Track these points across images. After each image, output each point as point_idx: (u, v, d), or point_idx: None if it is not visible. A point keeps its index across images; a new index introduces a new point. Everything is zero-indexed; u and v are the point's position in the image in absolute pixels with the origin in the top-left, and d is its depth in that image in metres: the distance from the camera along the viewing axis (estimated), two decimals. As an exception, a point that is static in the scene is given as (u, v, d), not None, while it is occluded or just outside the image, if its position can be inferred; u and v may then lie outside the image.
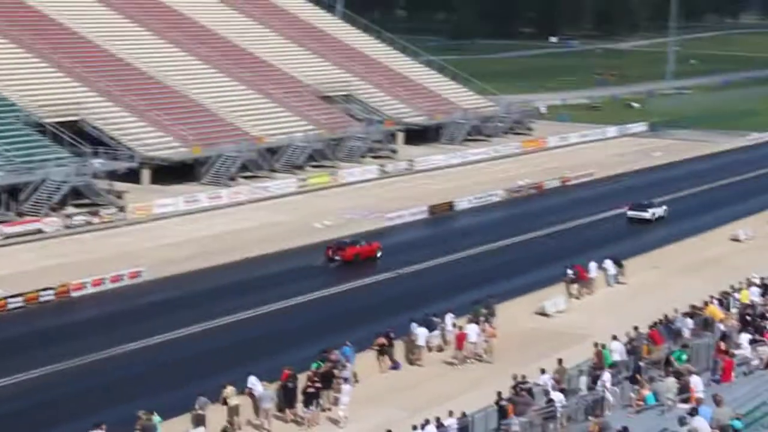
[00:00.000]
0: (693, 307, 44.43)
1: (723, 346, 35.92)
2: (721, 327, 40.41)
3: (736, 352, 35.24)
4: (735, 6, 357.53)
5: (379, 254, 62.70)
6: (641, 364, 36.30)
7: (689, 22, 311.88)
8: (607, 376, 35.38)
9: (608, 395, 34.45)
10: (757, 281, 49.00)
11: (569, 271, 54.86)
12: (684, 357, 35.57)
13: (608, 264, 56.96)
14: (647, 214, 73.81)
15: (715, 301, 45.57)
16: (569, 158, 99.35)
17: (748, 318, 40.56)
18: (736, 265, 59.61)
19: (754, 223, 71.01)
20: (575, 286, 54.34)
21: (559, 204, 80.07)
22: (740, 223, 70.41)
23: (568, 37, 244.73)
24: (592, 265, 55.85)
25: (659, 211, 74.74)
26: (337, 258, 60.78)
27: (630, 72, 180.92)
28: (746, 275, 51.05)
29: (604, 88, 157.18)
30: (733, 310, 44.57)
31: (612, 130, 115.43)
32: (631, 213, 74.26)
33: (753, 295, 46.72)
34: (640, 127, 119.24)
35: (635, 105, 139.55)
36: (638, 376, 34.19)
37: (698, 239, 66.62)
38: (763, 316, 40.46)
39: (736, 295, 47.17)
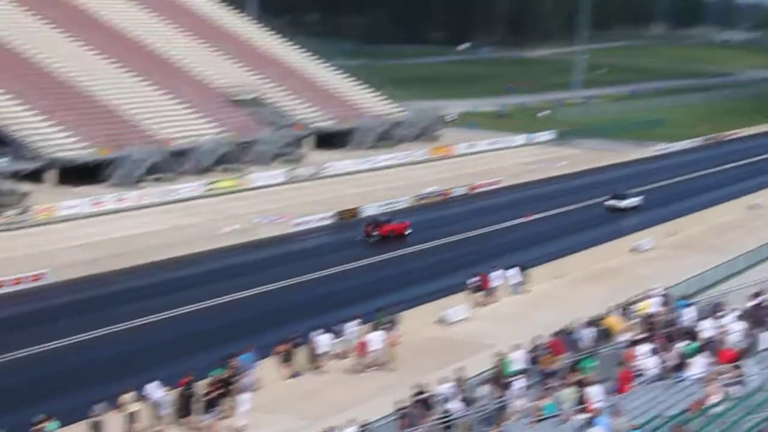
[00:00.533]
0: (593, 317, 44.90)
1: (623, 356, 36.36)
2: (622, 337, 40.92)
3: (635, 362, 35.65)
4: (644, 17, 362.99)
5: (408, 232, 70.80)
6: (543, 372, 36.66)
7: (599, 32, 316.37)
8: (520, 383, 35.57)
9: (517, 403, 34.62)
10: (657, 292, 49.64)
11: (473, 279, 55.14)
12: (592, 365, 35.95)
13: (512, 272, 57.34)
14: (621, 204, 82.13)
15: (616, 311, 46.12)
16: (477, 166, 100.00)
17: (647, 328, 41.08)
18: (638, 276, 60.43)
19: (656, 234, 71.99)
20: (478, 294, 54.63)
21: (466, 211, 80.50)
22: (643, 234, 71.33)
23: (480, 43, 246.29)
24: (496, 274, 56.18)
25: (635, 201, 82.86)
26: (375, 234, 69.15)
27: (540, 80, 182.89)
28: (647, 285, 51.70)
29: (514, 96, 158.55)
30: (634, 320, 45.09)
31: (520, 139, 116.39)
32: (608, 203, 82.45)
33: (653, 305, 47.30)
34: (548, 135, 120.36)
35: (544, 113, 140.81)
36: (544, 384, 34.45)
37: (600, 249, 67.26)
38: (662, 326, 40.99)
39: (636, 305, 47.72)
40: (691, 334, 36.19)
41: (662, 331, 37.99)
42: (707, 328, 36.37)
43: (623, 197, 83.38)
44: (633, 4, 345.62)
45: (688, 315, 40.62)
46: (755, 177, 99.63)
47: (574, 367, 35.93)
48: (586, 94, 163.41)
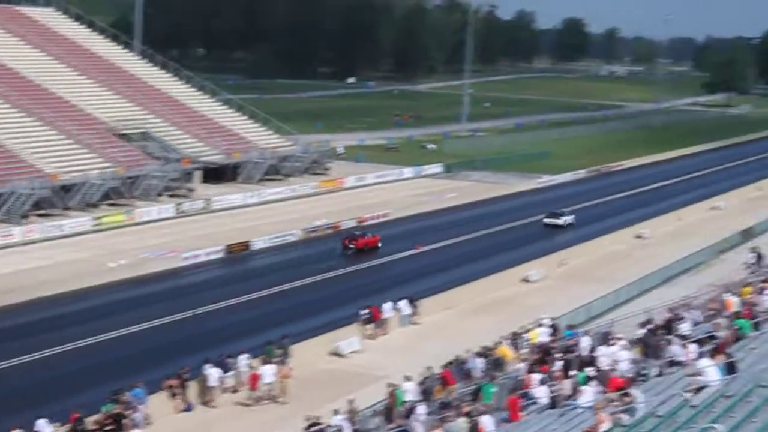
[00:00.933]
0: (484, 347, 45.23)
1: (515, 385, 36.69)
2: (513, 367, 41.29)
3: (526, 391, 35.96)
4: (528, 51, 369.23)
5: (379, 245, 77.92)
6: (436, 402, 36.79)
7: (484, 66, 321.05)
8: (421, 409, 35.61)
9: (419, 429, 34.64)
10: (547, 321, 50.20)
11: (363, 312, 55.20)
12: (492, 390, 36.17)
13: (402, 304, 57.52)
14: (560, 221, 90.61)
15: (507, 341, 46.55)
16: (366, 198, 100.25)
17: (538, 358, 41.49)
18: (528, 306, 61.15)
19: (545, 264, 72.88)
20: (370, 326, 54.70)
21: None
22: (532, 264, 72.18)
23: (367, 78, 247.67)
24: (387, 306, 56.31)
25: (569, 219, 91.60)
26: (351, 246, 76.25)
27: (427, 114, 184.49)
28: (537, 315, 52.28)
29: (401, 130, 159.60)
30: (524, 350, 45.53)
31: (408, 171, 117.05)
32: (546, 220, 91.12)
33: (542, 335, 47.82)
34: (436, 168, 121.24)
35: (431, 146, 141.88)
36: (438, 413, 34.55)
37: (491, 279, 67.88)
38: (553, 355, 41.43)
39: (527, 335, 48.20)
40: (585, 362, 36.64)
41: (556, 359, 38.38)
42: (600, 356, 36.88)
43: (560, 215, 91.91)
44: (518, 38, 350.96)
45: (583, 343, 41.10)
46: (640, 208, 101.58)
47: (476, 394, 36.18)
48: (472, 127, 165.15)
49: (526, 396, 35.03)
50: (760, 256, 67.86)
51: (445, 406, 36.26)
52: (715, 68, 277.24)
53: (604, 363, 35.68)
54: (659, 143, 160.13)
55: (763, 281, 48.63)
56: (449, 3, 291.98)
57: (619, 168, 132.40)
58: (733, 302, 40.45)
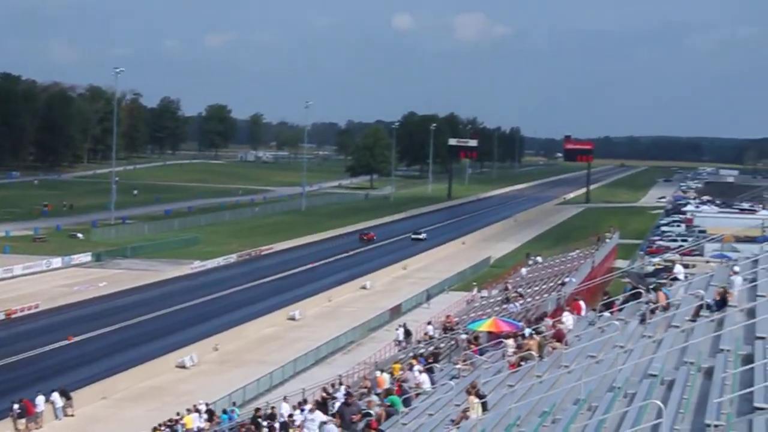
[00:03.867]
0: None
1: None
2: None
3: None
4: (175, 138, 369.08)
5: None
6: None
7: (131, 153, 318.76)
8: None
9: None
10: (202, 407, 50.37)
11: (15, 406, 53.53)
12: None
13: (55, 396, 56.21)
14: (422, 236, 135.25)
15: (163, 428, 46.32)
16: (14, 291, 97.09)
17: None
18: (183, 392, 61.20)
19: (199, 349, 72.99)
20: (22, 420, 53.06)
21: (3, 337, 77.94)
22: (186, 349, 72.13)
23: (11, 168, 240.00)
24: (39, 399, 54.88)
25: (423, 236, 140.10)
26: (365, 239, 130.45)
27: (76, 202, 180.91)
28: (193, 401, 52.36)
29: (48, 219, 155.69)
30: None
31: (57, 261, 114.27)
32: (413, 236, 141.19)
33: (197, 420, 47.92)
34: (85, 257, 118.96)
35: (80, 236, 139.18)
36: None
37: (146, 367, 67.38)
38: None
39: (182, 421, 48.18)
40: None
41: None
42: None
43: (420, 232, 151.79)
44: (164, 125, 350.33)
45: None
46: (292, 289, 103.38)
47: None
48: (122, 214, 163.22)
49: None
50: (408, 333, 70.63)
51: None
52: (357, 152, 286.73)
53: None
54: (307, 226, 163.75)
55: (413, 357, 50.63)
56: (93, 91, 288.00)
57: (270, 251, 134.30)
58: (385, 379, 41.94)
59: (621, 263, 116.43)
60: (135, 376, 65.16)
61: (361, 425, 31.29)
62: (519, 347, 37.00)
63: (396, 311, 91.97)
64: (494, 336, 45.36)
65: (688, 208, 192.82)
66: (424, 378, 39.50)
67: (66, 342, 76.51)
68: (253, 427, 39.33)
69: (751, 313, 29.37)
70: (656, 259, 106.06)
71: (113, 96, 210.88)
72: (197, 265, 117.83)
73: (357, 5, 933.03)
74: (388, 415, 32.88)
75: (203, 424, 47.42)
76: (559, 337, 36.56)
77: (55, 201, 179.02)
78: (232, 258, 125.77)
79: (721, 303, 31.82)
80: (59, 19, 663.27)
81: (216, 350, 74.94)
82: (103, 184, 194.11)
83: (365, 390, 41.60)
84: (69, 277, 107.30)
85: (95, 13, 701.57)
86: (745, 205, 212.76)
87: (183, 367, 69.36)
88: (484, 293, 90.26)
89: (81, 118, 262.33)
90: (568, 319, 41.04)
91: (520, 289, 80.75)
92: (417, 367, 41.61)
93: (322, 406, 38.34)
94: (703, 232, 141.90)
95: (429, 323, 70.92)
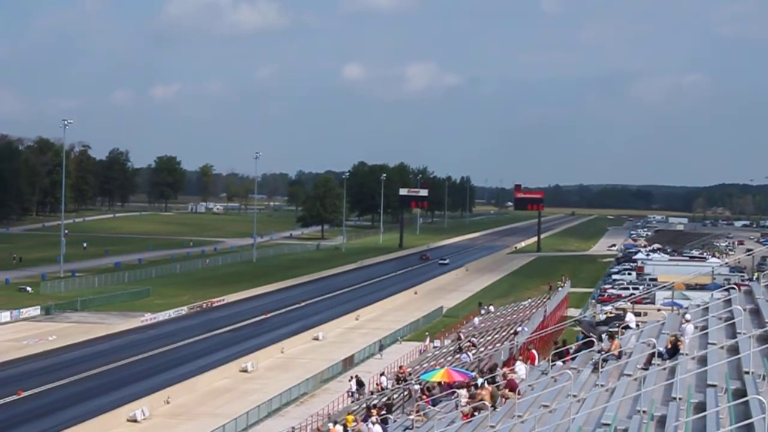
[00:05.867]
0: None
1: None
2: None
3: None
4: (124, 189, 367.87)
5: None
6: None
7: (81, 205, 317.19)
8: None
9: None
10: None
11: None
12: None
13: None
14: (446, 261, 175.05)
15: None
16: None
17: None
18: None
19: (150, 402, 72.36)
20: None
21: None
22: (138, 402, 71.50)
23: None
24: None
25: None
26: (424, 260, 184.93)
27: (24, 255, 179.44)
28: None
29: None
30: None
31: (5, 315, 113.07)
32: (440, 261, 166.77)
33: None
34: (34, 311, 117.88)
35: (29, 289, 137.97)
36: None
37: (96, 421, 66.70)
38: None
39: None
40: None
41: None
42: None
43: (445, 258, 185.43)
44: (114, 177, 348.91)
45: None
46: (244, 341, 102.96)
47: None
48: (71, 267, 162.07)
49: None
50: (360, 384, 70.51)
51: None
52: (308, 202, 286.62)
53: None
54: (259, 277, 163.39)
55: (366, 408, 50.57)
56: (41, 143, 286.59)
57: (222, 303, 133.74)
58: (338, 431, 41.81)
59: (573, 312, 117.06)
60: (86, 430, 64.46)
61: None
62: (472, 397, 37.02)
63: (349, 362, 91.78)
64: (447, 386, 45.39)
65: (639, 256, 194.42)
66: (378, 430, 39.41)
67: (16, 397, 75.62)
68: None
69: (703, 361, 29.61)
70: (608, 308, 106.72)
71: (62, 148, 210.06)
72: (148, 318, 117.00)
73: (307, 55, 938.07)
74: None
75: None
76: (511, 386, 36.63)
77: (3, 254, 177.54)
78: (183, 310, 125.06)
79: (673, 351, 32.05)
80: (4, 71, 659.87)
81: (168, 403, 74.34)
82: (53, 236, 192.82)
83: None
84: (18, 331, 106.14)
85: (42, 65, 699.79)
86: (695, 253, 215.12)
87: (134, 420, 68.73)
88: (437, 343, 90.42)
89: (29, 171, 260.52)
90: (521, 368, 41.18)
91: (472, 339, 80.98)
92: (372, 419, 41.54)
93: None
94: (654, 280, 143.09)
95: (382, 374, 70.91)
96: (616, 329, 39.62)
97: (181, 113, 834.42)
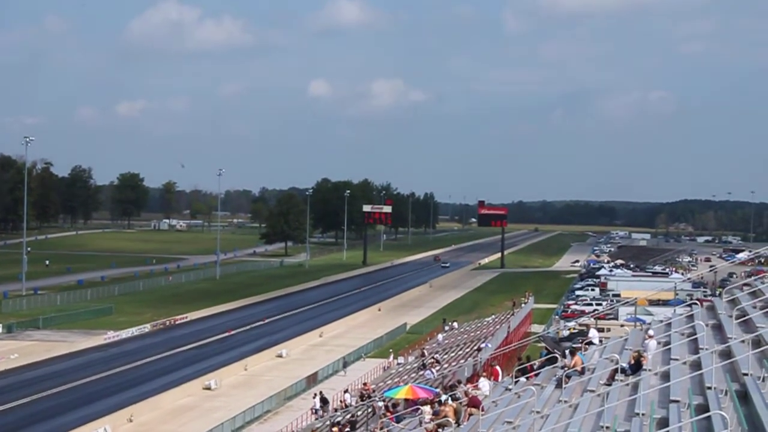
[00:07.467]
0: None
1: None
2: None
3: None
4: (87, 206, 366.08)
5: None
6: None
7: (43, 223, 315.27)
8: None
9: None
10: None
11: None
12: None
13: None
14: (447, 265, 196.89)
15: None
16: None
17: None
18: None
19: (112, 421, 71.94)
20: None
21: None
22: (100, 421, 71.07)
23: None
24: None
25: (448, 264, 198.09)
26: (437, 262, 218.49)
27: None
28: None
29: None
30: None
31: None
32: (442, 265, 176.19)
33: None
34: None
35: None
36: None
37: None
38: None
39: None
40: None
41: None
42: None
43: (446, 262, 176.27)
44: (76, 194, 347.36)
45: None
46: (207, 358, 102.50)
47: None
48: (33, 285, 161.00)
49: None
50: (324, 401, 70.36)
51: None
52: (271, 219, 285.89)
53: None
54: (222, 294, 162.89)
55: (330, 426, 50.52)
56: (3, 160, 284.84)
57: (185, 320, 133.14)
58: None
59: (537, 328, 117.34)
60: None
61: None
62: (436, 414, 37.01)
63: (312, 379, 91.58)
64: (411, 403, 45.37)
65: (602, 272, 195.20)
66: (343, 447, 39.34)
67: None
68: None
69: (666, 377, 29.75)
70: (571, 324, 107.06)
71: (23, 165, 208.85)
72: (111, 336, 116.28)
73: (272, 72, 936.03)
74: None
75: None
76: (475, 403, 36.65)
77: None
78: (146, 328, 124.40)
79: (636, 367, 32.19)
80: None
81: (131, 421, 73.92)
82: (15, 254, 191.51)
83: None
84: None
85: (4, 82, 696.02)
86: (658, 269, 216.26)
87: (98, 439, 68.34)
88: (401, 360, 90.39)
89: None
90: (484, 384, 41.22)
91: (436, 355, 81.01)
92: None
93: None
94: (617, 295, 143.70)
95: (346, 391, 70.81)
96: (579, 345, 39.73)
97: (144, 130, 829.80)
